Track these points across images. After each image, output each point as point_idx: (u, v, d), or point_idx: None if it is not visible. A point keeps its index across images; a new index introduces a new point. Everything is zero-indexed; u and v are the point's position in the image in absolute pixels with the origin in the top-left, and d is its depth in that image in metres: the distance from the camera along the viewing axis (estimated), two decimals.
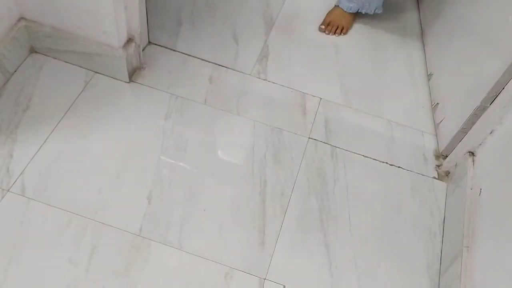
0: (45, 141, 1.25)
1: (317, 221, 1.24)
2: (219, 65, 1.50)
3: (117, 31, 1.28)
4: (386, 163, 1.37)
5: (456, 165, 1.34)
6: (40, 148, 1.24)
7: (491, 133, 1.20)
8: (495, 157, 1.17)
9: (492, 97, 1.17)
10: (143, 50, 1.46)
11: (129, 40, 1.36)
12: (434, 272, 1.20)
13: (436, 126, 1.46)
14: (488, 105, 1.19)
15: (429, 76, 1.59)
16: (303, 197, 1.27)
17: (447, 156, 1.37)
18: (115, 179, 1.22)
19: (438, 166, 1.39)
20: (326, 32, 1.67)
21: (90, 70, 1.40)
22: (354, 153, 1.38)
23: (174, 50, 1.51)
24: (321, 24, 1.68)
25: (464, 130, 1.28)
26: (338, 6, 1.69)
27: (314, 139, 1.39)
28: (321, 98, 1.48)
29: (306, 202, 1.26)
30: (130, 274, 1.09)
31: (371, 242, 1.23)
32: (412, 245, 1.24)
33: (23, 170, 1.19)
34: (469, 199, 1.19)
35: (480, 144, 1.24)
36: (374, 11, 1.67)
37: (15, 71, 1.36)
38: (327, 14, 1.70)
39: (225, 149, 1.33)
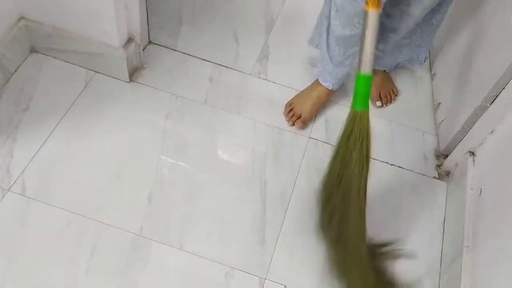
0: (45, 141, 1.25)
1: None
2: (219, 64, 1.50)
3: (118, 30, 1.28)
4: (387, 162, 1.37)
5: (456, 165, 1.33)
6: (40, 148, 1.24)
7: (491, 132, 1.20)
8: (495, 157, 1.17)
9: (492, 97, 1.17)
10: (143, 49, 1.46)
11: (130, 39, 1.36)
12: (434, 272, 1.20)
13: (437, 125, 1.46)
14: (489, 104, 1.19)
15: (432, 76, 1.58)
16: (303, 197, 1.27)
17: (447, 156, 1.37)
18: (115, 178, 1.22)
19: (439, 166, 1.39)
20: (384, 105, 1.50)
21: (91, 69, 1.40)
22: None
23: (174, 50, 1.51)
24: (376, 101, 1.49)
25: (464, 130, 1.28)
26: (373, 69, 1.54)
27: (314, 139, 1.39)
28: None
29: (306, 202, 1.26)
30: (130, 274, 1.09)
31: None
32: (412, 245, 1.24)
33: (23, 170, 1.19)
34: (469, 199, 1.19)
35: (481, 144, 1.24)
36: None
37: (16, 70, 1.36)
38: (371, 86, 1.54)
39: (225, 149, 1.33)
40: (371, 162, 1.04)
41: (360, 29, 1.24)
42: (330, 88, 1.39)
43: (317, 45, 1.43)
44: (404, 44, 1.40)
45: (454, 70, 1.45)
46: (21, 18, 1.32)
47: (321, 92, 1.41)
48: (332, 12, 1.24)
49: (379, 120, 1.46)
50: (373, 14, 0.96)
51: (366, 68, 0.98)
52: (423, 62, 1.49)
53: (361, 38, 0.97)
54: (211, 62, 1.51)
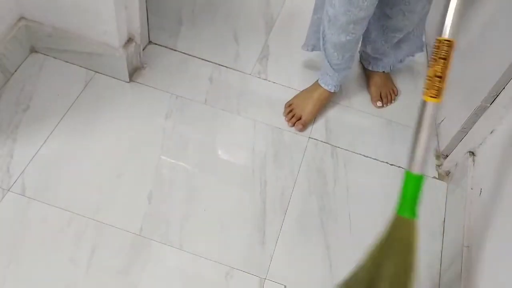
0: (45, 141, 1.25)
1: (317, 221, 1.24)
2: (219, 64, 1.50)
3: (118, 30, 1.28)
4: (387, 162, 1.37)
5: (456, 165, 1.33)
6: (40, 148, 1.24)
7: (491, 132, 1.20)
8: (495, 157, 1.17)
9: (492, 97, 1.17)
10: (143, 49, 1.46)
11: (130, 39, 1.36)
12: (434, 272, 1.20)
13: (437, 125, 1.46)
14: (489, 105, 1.19)
15: None
16: (303, 197, 1.27)
17: (447, 156, 1.37)
18: (115, 178, 1.22)
19: (439, 166, 1.39)
20: (385, 105, 1.49)
21: (91, 69, 1.40)
22: (354, 153, 1.38)
23: (174, 50, 1.51)
24: (376, 101, 1.48)
25: (464, 130, 1.28)
26: (374, 71, 1.51)
27: (314, 139, 1.39)
28: None
29: (306, 202, 1.26)
30: (130, 273, 1.09)
31: (371, 242, 1.23)
32: None
33: (23, 170, 1.19)
34: (469, 199, 1.19)
35: (481, 144, 1.24)
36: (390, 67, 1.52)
37: (16, 70, 1.36)
38: (371, 86, 1.50)
39: (225, 149, 1.33)
40: (415, 280, 0.85)
41: (356, 35, 1.25)
42: (332, 90, 1.40)
43: (316, 49, 1.44)
44: (404, 40, 1.41)
45: (454, 69, 1.45)
46: (21, 18, 1.32)
47: (321, 94, 1.41)
48: (325, 22, 1.25)
49: (379, 120, 1.46)
50: (431, 105, 0.83)
51: (417, 167, 0.84)
52: (424, 48, 1.50)
53: (416, 130, 0.84)
54: (211, 62, 1.51)
